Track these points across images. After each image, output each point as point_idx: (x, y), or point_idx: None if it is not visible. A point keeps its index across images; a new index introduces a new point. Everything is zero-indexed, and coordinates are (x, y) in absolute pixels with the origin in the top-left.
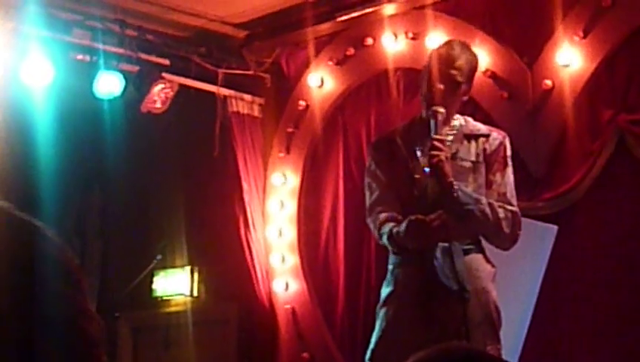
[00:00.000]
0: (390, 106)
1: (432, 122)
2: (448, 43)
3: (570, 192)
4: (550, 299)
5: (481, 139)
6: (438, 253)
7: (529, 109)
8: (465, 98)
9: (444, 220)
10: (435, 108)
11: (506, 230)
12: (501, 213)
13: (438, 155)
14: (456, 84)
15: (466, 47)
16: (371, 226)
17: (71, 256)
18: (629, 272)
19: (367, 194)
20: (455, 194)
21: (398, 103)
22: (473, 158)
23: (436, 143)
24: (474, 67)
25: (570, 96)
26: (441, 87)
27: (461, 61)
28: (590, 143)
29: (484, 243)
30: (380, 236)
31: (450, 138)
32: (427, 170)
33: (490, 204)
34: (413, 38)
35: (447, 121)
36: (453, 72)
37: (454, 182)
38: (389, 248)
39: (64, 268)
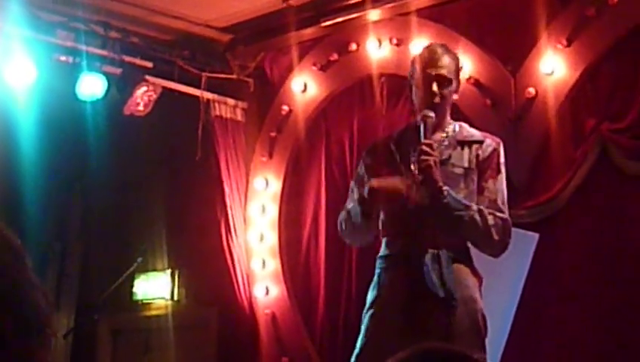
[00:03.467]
0: (373, 112)
1: (422, 127)
2: (429, 47)
3: (552, 201)
4: (530, 306)
5: (475, 146)
6: (427, 260)
7: (512, 117)
8: (456, 97)
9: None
10: (424, 112)
11: (496, 237)
12: (491, 220)
13: (427, 160)
14: (446, 82)
15: (447, 48)
16: (340, 218)
17: (11, 234)
18: (609, 281)
19: (350, 197)
20: (445, 200)
21: (381, 109)
22: (466, 165)
23: (425, 148)
24: (458, 65)
25: (553, 105)
26: (435, 89)
27: (445, 60)
28: (572, 152)
29: (471, 252)
30: (342, 220)
31: (445, 143)
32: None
33: (480, 211)
34: (397, 44)
35: (440, 125)
36: (441, 70)
37: (444, 188)
38: (344, 228)
39: (8, 244)
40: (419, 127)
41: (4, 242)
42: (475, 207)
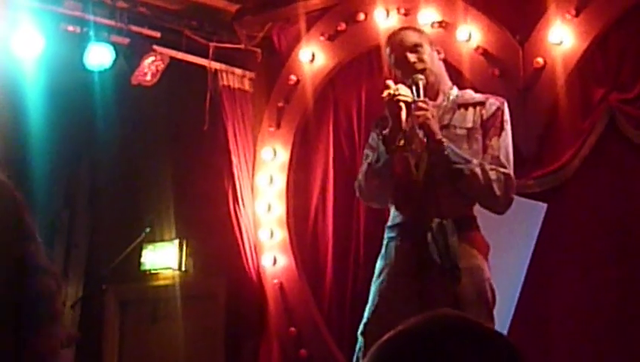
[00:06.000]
0: (381, 82)
1: (414, 88)
2: (388, 37)
3: (560, 171)
4: (538, 276)
5: (478, 107)
6: (432, 229)
7: (520, 87)
8: (441, 56)
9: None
10: (414, 76)
11: (498, 192)
12: (493, 175)
13: (423, 114)
14: (418, 46)
15: (405, 27)
16: (358, 178)
17: (24, 207)
18: (617, 250)
19: (363, 163)
20: (445, 152)
21: (388, 79)
22: (469, 125)
23: (420, 104)
24: (422, 32)
25: (562, 75)
26: (412, 58)
27: (407, 34)
28: (581, 122)
29: (478, 221)
30: (361, 177)
31: (445, 107)
32: (425, 139)
33: (481, 166)
34: (405, 14)
35: (440, 89)
36: (407, 42)
37: (444, 140)
38: (364, 183)
39: (21, 224)
40: (411, 89)
41: (16, 228)
42: (476, 162)
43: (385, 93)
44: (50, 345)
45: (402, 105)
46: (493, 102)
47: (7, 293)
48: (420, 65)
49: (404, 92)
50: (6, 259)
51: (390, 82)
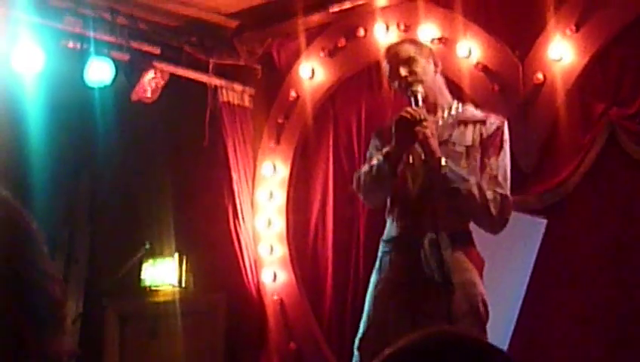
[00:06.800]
0: (381, 98)
1: (413, 99)
2: (387, 49)
3: (560, 186)
4: (538, 292)
5: (478, 125)
6: (426, 244)
7: (520, 103)
8: (438, 69)
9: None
10: (412, 88)
11: (494, 212)
12: (489, 195)
13: (423, 132)
14: (411, 60)
15: (405, 39)
16: (358, 174)
17: (31, 221)
18: (617, 266)
19: (367, 159)
20: (443, 171)
21: (389, 95)
22: (468, 143)
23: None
24: (420, 46)
25: (562, 90)
26: (404, 72)
27: (402, 47)
28: (581, 137)
29: (474, 235)
30: (361, 173)
31: (448, 121)
32: (424, 156)
33: (478, 185)
34: (405, 30)
35: (439, 103)
36: (400, 55)
37: (443, 158)
38: (364, 181)
39: (29, 235)
40: (410, 101)
41: (22, 236)
42: (473, 180)
43: (405, 113)
44: (54, 349)
45: (420, 134)
46: (493, 121)
47: (10, 297)
48: (410, 79)
49: (425, 120)
50: (8, 261)
51: (421, 109)
